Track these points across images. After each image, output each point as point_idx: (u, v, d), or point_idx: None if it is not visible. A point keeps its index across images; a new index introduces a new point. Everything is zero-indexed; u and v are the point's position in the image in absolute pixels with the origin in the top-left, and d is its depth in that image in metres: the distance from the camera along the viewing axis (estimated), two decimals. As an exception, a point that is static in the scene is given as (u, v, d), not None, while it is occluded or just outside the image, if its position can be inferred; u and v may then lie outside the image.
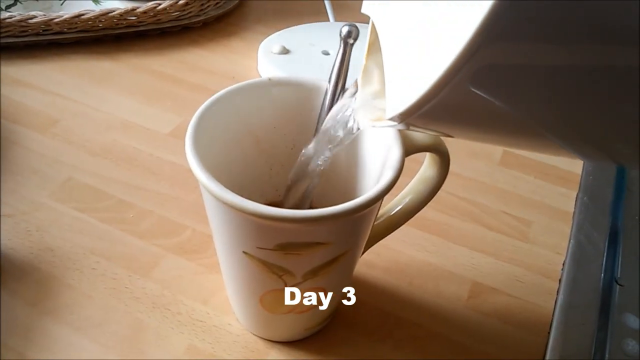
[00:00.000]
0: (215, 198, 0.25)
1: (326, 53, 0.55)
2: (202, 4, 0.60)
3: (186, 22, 0.60)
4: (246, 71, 0.56)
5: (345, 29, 0.28)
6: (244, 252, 0.27)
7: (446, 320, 0.37)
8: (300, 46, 0.56)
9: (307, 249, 0.26)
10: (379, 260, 0.39)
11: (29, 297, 0.36)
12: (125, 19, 0.56)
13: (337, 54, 0.29)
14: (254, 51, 0.57)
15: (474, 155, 0.49)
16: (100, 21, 0.56)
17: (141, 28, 0.58)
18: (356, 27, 0.28)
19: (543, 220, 0.44)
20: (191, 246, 0.40)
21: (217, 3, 0.62)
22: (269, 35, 0.58)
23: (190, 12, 0.59)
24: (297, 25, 0.60)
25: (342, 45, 0.28)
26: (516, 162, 0.48)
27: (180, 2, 0.58)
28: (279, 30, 0.59)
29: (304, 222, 0.24)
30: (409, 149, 0.28)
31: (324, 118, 0.30)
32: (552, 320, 0.37)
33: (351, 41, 0.28)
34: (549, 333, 0.36)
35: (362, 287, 0.38)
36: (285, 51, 0.55)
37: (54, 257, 0.38)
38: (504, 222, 0.43)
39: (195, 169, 0.26)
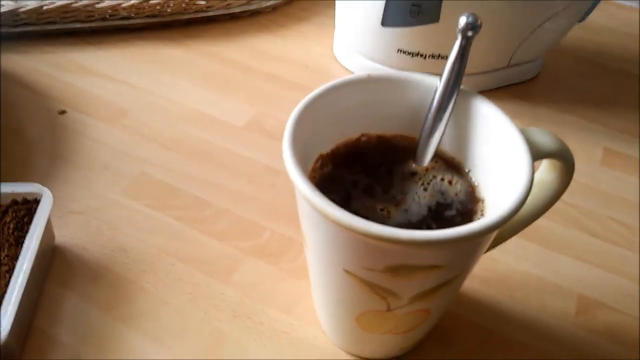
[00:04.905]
0: (320, 213, 0.22)
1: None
2: (272, -13, 0.57)
3: (256, 6, 0.57)
4: (319, 59, 0.53)
5: (463, 20, 0.24)
6: (345, 270, 0.25)
7: (554, 339, 0.33)
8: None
9: (421, 272, 0.23)
10: (475, 270, 0.36)
11: (103, 301, 0.34)
12: (194, 4, 0.54)
13: (453, 48, 0.25)
14: (326, 37, 0.54)
15: (573, 154, 0.45)
16: (168, 6, 0.53)
17: (210, 13, 0.55)
18: (476, 17, 0.24)
19: (652, 227, 0.40)
20: (271, 249, 0.37)
21: (287, -14, 0.59)
22: (343, 20, 0.54)
23: (260, -4, 0.56)
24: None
25: (459, 38, 0.25)
26: (619, 162, 0.44)
27: (251, -15, 0.55)
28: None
29: (424, 245, 0.21)
30: (534, 155, 0.25)
31: (432, 117, 0.27)
32: (672, 343, 0.33)
33: (470, 34, 0.25)
34: (670, 358, 0.32)
35: (458, 300, 0.35)
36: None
37: (127, 258, 0.37)
38: (609, 229, 0.39)
39: (296, 181, 0.23)
